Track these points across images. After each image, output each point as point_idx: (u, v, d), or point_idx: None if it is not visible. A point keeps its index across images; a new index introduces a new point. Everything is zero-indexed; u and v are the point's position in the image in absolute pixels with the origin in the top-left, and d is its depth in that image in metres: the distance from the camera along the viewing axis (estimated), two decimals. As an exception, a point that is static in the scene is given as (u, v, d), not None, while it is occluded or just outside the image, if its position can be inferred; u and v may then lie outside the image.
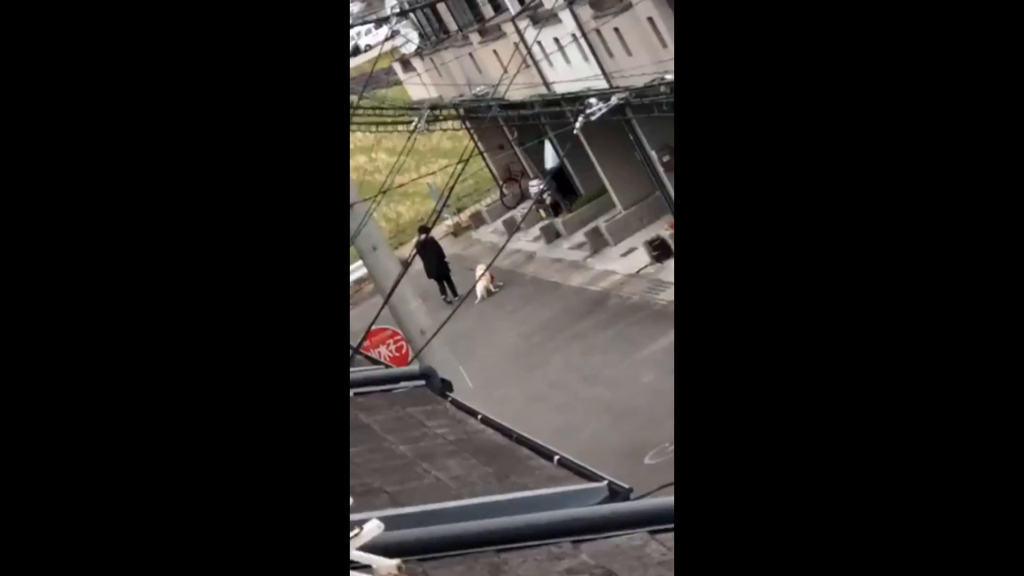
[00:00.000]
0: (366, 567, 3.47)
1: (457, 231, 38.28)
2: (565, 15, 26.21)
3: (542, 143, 32.65)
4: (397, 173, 24.45)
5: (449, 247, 35.70)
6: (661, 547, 3.77)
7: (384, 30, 29.09)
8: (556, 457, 5.56)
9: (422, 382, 7.49)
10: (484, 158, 38.04)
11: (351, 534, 3.46)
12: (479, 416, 6.65)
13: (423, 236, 29.23)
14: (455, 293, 31.60)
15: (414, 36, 35.08)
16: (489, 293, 30.87)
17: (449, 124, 36.03)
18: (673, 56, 22.71)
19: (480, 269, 31.04)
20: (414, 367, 11.15)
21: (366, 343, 16.79)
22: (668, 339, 22.73)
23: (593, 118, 24.25)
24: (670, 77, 23.12)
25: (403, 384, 7.48)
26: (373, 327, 17.19)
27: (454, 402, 7.13)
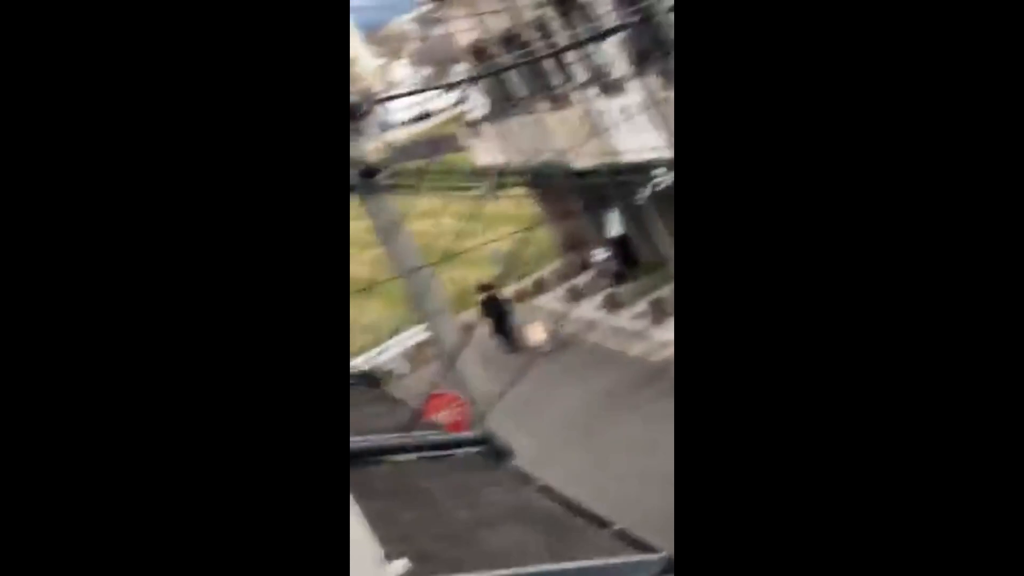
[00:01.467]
0: None
1: (520, 297, 38.33)
2: (633, 84, 26.30)
3: (607, 211, 32.71)
4: (463, 238, 24.55)
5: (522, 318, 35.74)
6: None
7: (453, 95, 29.30)
8: (613, 527, 5.56)
9: (482, 448, 7.52)
10: (549, 225, 38.12)
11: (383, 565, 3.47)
12: (537, 484, 6.66)
13: (486, 294, 29.65)
14: (515, 344, 32.04)
15: (482, 101, 35.31)
16: (545, 341, 31.14)
17: (515, 191, 36.14)
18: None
19: (536, 327, 31.49)
20: (474, 432, 11.18)
21: (427, 407, 16.81)
22: (729, 411, 22.61)
23: (659, 188, 24.29)
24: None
25: (463, 449, 7.50)
26: (434, 392, 17.23)
27: (513, 469, 7.16)
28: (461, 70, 34.53)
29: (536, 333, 32.65)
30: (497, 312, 32.33)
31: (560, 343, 31.42)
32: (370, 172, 16.50)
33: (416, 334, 29.19)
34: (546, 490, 6.53)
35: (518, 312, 35.46)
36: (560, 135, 30.45)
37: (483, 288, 32.49)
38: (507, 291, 38.06)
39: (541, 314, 34.97)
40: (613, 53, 26.28)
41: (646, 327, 30.18)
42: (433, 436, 8.34)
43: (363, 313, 35.53)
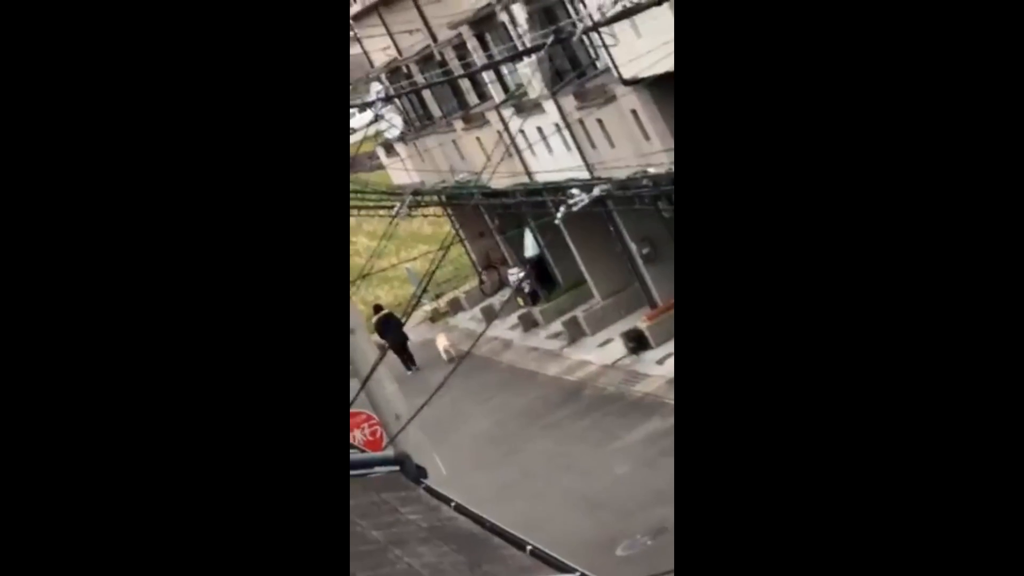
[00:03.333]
0: None
1: (435, 317, 38.31)
2: (549, 105, 26.40)
3: (522, 231, 32.77)
4: (377, 257, 24.52)
5: (426, 332, 35.78)
6: (632, 640, 3.76)
7: (368, 114, 29.35)
8: (528, 547, 5.55)
9: (396, 467, 7.48)
10: (464, 245, 38.17)
11: None
12: (452, 503, 6.64)
13: (381, 313, 30.76)
14: (414, 363, 33.16)
15: (398, 121, 35.33)
16: (449, 355, 31.94)
17: (431, 210, 36.14)
18: (655, 150, 22.87)
19: (441, 335, 31.91)
20: (389, 452, 11.14)
21: (341, 426, 16.67)
22: (643, 430, 22.71)
23: (574, 209, 24.37)
24: (652, 170, 23.28)
25: (377, 469, 7.47)
26: (349, 411, 17.14)
27: (428, 489, 7.13)
28: (377, 89, 34.54)
29: (441, 343, 33.01)
30: (391, 331, 32.51)
31: (468, 358, 31.56)
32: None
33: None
34: (461, 510, 6.51)
35: (431, 330, 35.47)
36: (476, 154, 30.49)
37: (376, 308, 33.83)
38: (424, 310, 38.06)
39: (456, 333, 34.98)
40: (528, 73, 26.39)
41: (561, 347, 30.25)
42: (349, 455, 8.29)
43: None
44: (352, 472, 7.49)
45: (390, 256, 37.32)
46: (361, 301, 37.97)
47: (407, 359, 33.35)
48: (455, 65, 30.39)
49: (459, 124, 31.95)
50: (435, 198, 35.37)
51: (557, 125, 26.45)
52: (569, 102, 25.64)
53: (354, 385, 16.15)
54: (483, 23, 28.92)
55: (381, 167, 40.83)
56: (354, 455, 8.50)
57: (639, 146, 23.68)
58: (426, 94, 33.64)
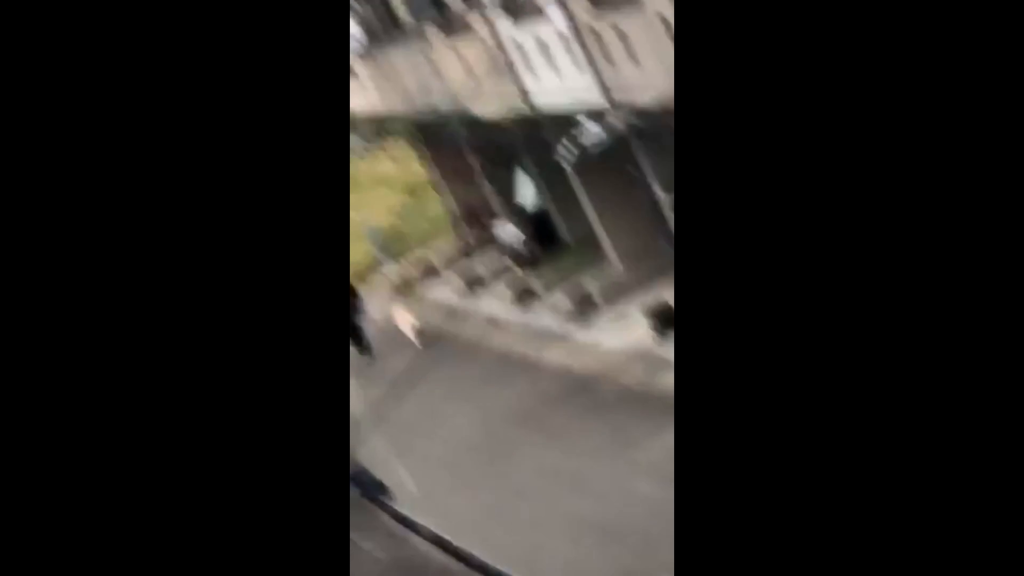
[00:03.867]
0: None
1: (402, 286, 38.36)
2: (553, 9, 26.40)
3: (517, 175, 32.77)
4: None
5: (389, 306, 35.83)
6: None
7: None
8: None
9: (352, 485, 7.53)
10: (440, 192, 38.21)
11: None
12: (425, 532, 6.69)
13: None
14: (371, 350, 33.38)
15: (355, 31, 35.35)
16: (418, 334, 32.76)
17: (397, 146, 36.13)
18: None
19: (400, 309, 33.28)
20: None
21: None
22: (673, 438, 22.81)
23: (587, 147, 24.36)
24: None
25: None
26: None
27: (392, 512, 7.18)
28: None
29: (405, 319, 33.10)
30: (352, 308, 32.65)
31: (444, 340, 31.56)
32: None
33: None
34: (436, 540, 6.56)
35: (394, 303, 35.56)
36: (457, 73, 30.48)
37: None
38: (389, 277, 38.10)
39: (431, 311, 35.04)
40: (528, -33, 26.40)
41: (567, 327, 30.31)
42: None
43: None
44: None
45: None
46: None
47: (362, 341, 33.45)
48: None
49: (435, 34, 31.93)
50: (403, 130, 35.38)
51: (564, 36, 26.45)
52: (580, 5, 25.64)
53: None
54: (468, -100, 28.91)
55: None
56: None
57: (672, 64, 23.67)
58: (392, -7, 33.63)
